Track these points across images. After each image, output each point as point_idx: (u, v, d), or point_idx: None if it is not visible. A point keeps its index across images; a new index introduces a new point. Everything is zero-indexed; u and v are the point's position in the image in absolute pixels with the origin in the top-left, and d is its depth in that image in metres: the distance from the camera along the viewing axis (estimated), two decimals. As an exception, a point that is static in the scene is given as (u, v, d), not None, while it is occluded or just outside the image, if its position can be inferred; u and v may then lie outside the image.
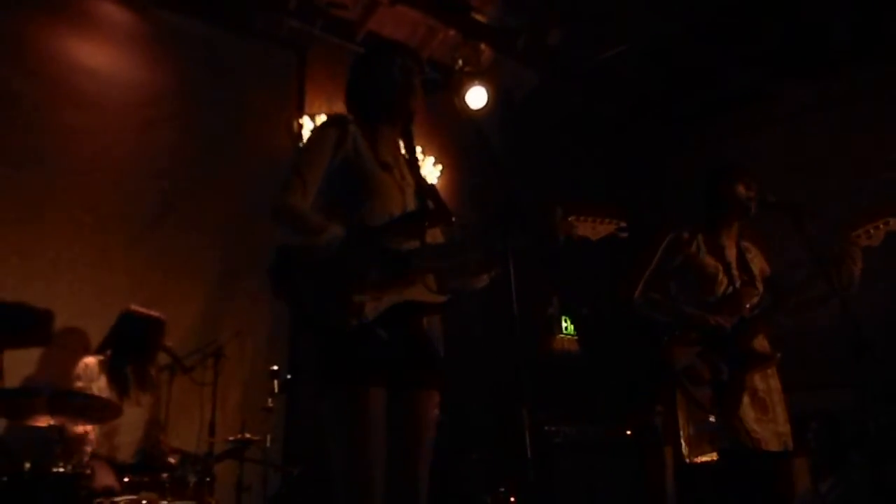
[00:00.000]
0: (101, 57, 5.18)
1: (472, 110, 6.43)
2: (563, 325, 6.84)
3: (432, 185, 2.62)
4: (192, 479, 4.00)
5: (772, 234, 3.66)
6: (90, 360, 4.13)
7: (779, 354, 3.37)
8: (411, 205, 2.52)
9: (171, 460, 4.10)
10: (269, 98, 5.86)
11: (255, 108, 5.73)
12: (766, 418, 3.26)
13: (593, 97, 7.16)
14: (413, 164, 2.64)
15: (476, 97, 6.38)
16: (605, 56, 6.67)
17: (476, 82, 6.36)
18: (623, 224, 2.49)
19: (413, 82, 2.62)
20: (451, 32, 6.47)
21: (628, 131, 7.36)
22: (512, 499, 5.14)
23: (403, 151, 2.67)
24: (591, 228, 2.46)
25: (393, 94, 2.60)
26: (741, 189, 3.51)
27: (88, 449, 3.92)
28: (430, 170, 6.76)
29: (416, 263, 2.37)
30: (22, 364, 4.27)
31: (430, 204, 2.52)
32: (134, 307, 4.29)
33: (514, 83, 7.10)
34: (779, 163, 6.10)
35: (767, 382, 3.35)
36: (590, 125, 7.02)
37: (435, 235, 2.59)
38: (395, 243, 2.38)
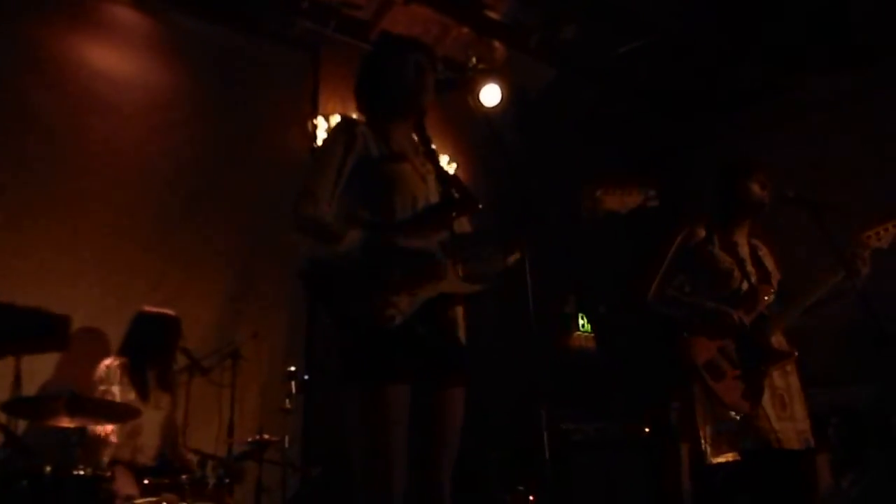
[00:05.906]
0: (116, 61, 5.21)
1: (486, 108, 6.40)
2: (580, 322, 6.82)
3: (454, 175, 2.63)
4: (212, 481, 4.01)
5: (782, 231, 3.65)
6: (110, 363, 4.16)
7: (796, 353, 3.35)
8: (434, 192, 2.53)
9: (191, 458, 4.13)
10: (284, 99, 5.87)
11: (270, 110, 5.74)
12: (785, 415, 3.24)
13: (609, 93, 7.12)
14: (431, 155, 2.64)
15: (490, 95, 6.35)
16: (620, 51, 6.63)
17: (490, 80, 6.34)
18: (652, 192, 2.40)
19: (426, 81, 2.59)
20: (465, 30, 6.43)
21: (645, 127, 7.30)
22: (531, 497, 5.12)
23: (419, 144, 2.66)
24: (620, 201, 2.38)
25: (404, 92, 2.58)
26: (756, 187, 3.49)
27: (108, 451, 3.95)
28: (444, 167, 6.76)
29: (438, 258, 2.38)
30: (42, 365, 4.29)
31: (455, 192, 2.52)
32: (147, 308, 4.32)
33: (529, 80, 7.07)
34: (797, 159, 6.02)
35: (787, 380, 3.33)
36: (606, 121, 6.97)
37: (461, 224, 2.59)
38: (421, 236, 2.38)
